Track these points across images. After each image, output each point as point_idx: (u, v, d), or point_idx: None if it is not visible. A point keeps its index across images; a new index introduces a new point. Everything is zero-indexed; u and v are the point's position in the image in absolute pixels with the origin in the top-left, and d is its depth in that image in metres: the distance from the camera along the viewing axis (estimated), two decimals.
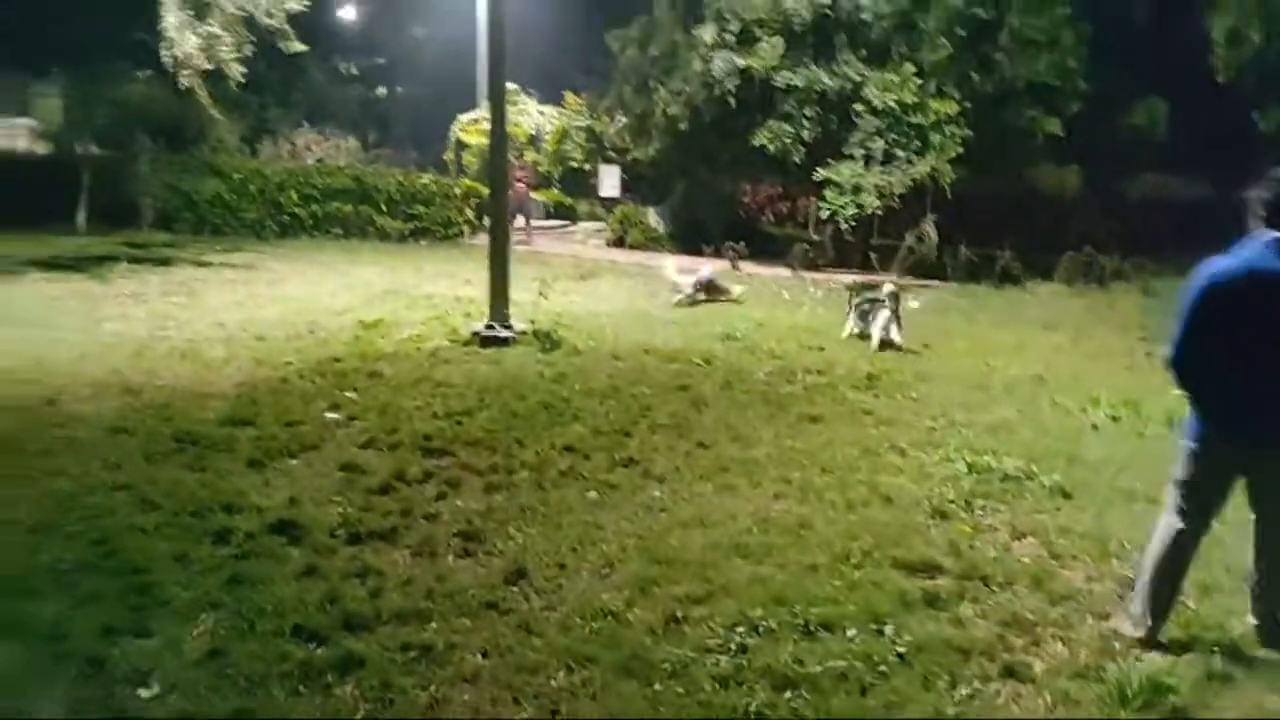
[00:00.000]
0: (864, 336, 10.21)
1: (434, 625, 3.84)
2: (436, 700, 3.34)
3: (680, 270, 13.53)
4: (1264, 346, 3.54)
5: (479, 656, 3.62)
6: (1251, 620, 3.84)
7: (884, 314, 9.98)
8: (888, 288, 10.37)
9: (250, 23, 14.93)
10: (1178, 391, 3.89)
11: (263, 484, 5.36)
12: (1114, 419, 7.25)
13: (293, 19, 15.42)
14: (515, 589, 4.20)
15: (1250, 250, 3.53)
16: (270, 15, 14.91)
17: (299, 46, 15.78)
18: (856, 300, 10.68)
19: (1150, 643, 3.75)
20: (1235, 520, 4.92)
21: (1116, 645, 3.75)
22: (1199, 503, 3.75)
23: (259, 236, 19.08)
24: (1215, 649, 3.70)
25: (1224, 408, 3.62)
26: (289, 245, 18.46)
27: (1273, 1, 13.07)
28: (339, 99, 32.58)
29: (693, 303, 12.52)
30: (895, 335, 9.94)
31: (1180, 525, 3.77)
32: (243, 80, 15.46)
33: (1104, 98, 18.32)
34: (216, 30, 14.49)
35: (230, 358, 8.46)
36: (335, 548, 4.54)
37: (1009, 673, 3.55)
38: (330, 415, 6.77)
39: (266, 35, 15.34)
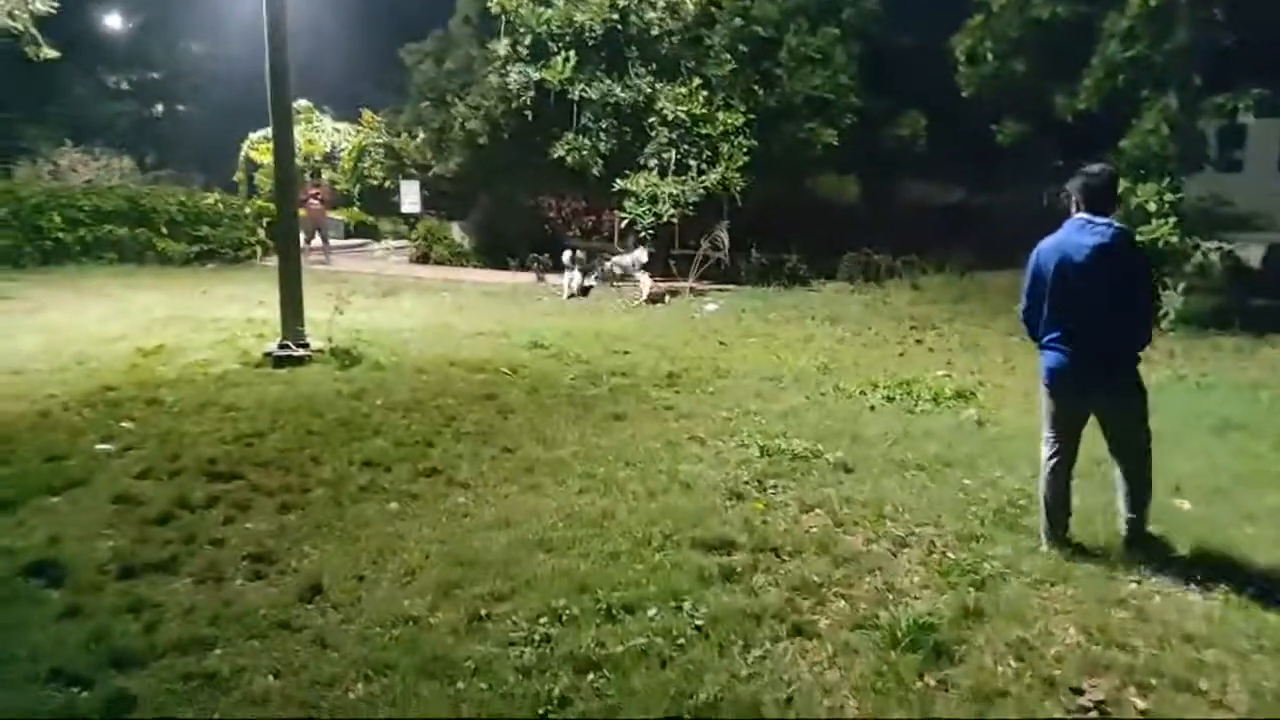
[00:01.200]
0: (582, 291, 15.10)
1: (218, 652, 3.65)
2: None
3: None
4: (1073, 300, 4.40)
5: (269, 677, 3.48)
6: (1122, 527, 4.62)
7: (572, 273, 14.96)
8: (567, 255, 15.46)
9: None
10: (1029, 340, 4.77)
11: (16, 525, 4.88)
12: (889, 400, 7.85)
13: (42, 23, 13.87)
14: (310, 606, 4.05)
15: (1065, 228, 4.48)
16: (12, 17, 13.30)
17: (51, 54, 14.20)
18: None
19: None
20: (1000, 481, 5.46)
21: (889, 595, 4.09)
22: (1059, 432, 4.59)
23: (15, 265, 17.15)
24: (971, 589, 4.10)
25: (1053, 356, 4.50)
26: (53, 273, 16.76)
27: (1002, 26, 14.63)
28: (107, 115, 29.96)
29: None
30: (574, 287, 14.91)
31: (1050, 454, 4.62)
32: None
33: (873, 111, 19.84)
34: None
35: None
36: (104, 584, 4.21)
37: (797, 631, 3.79)
38: (101, 447, 6.25)
39: (10, 40, 13.72)
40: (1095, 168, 4.51)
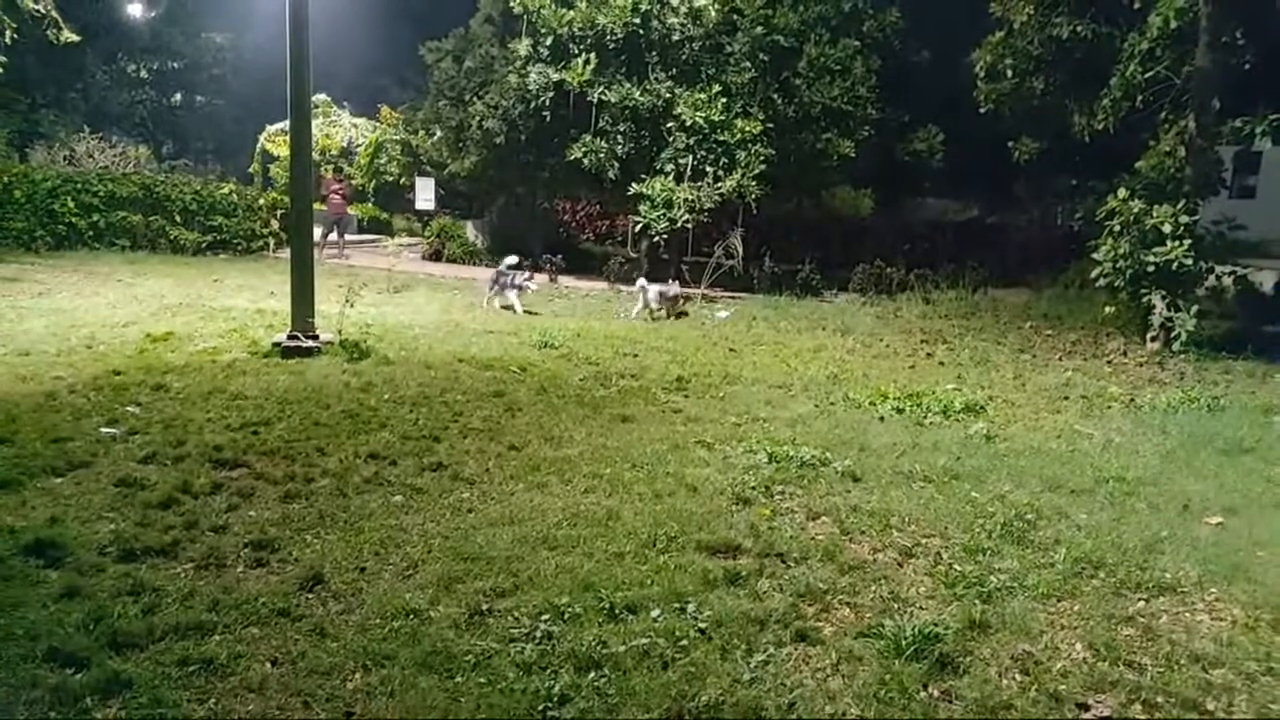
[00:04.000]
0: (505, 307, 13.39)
1: (217, 638, 3.62)
2: (215, 713, 3.14)
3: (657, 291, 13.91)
4: None
5: (267, 665, 3.45)
6: None
7: (510, 291, 13.36)
8: (512, 272, 13.70)
9: (12, 8, 13.29)
10: None
11: (19, 505, 4.86)
12: (898, 411, 7.80)
13: (64, 7, 13.89)
14: (311, 595, 4.02)
15: None
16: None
17: (72, 37, 14.21)
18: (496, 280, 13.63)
19: None
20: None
21: (894, 604, 4.04)
22: None
23: (28, 248, 17.27)
24: (977, 601, 4.06)
25: None
26: (65, 257, 16.84)
27: (1023, 43, 14.57)
28: (125, 103, 30.12)
29: (664, 315, 13.67)
30: (516, 305, 13.22)
31: None
32: (2, 72, 13.68)
33: (890, 124, 19.81)
34: None
35: None
36: (104, 566, 4.19)
37: (801, 637, 3.75)
38: (106, 430, 6.24)
39: (32, 23, 13.74)
40: None
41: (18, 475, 5.21)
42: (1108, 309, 12.84)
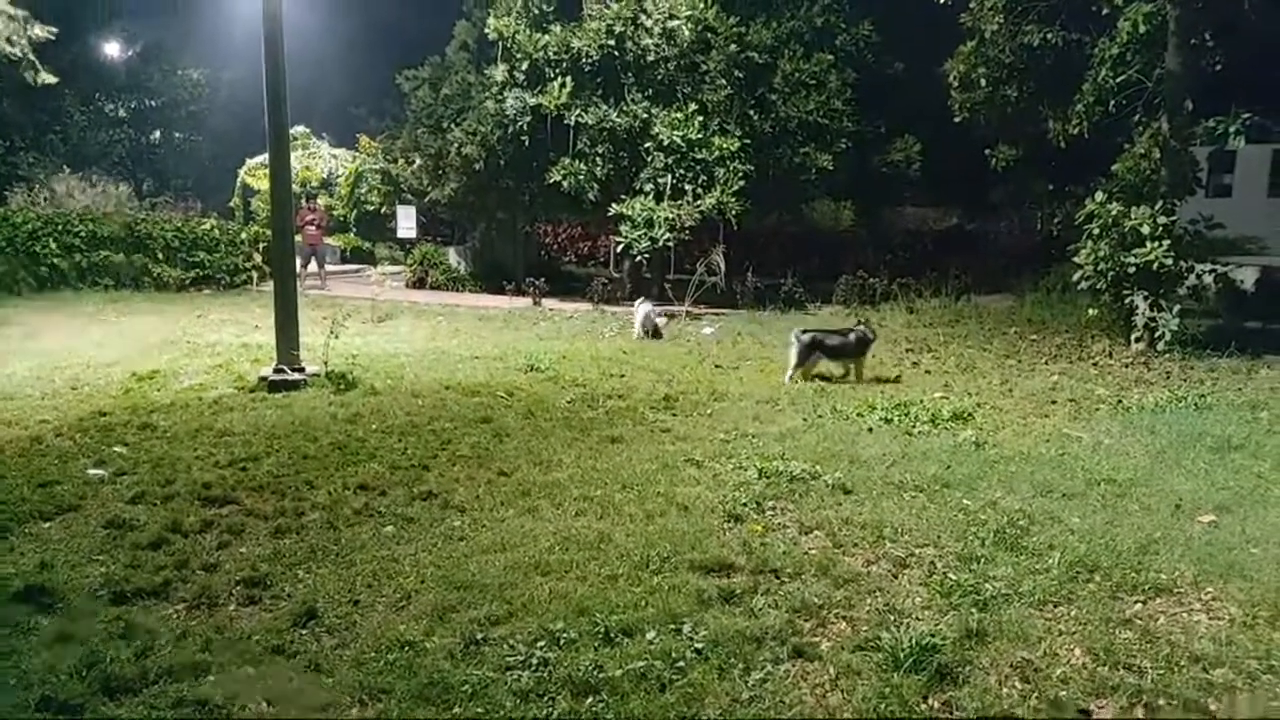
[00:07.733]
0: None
1: (212, 678, 3.59)
2: None
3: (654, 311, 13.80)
4: None
5: (263, 703, 3.42)
6: None
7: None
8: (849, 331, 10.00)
9: None
10: None
11: (7, 551, 4.82)
12: (886, 421, 7.82)
13: (41, 50, 13.86)
14: (304, 631, 3.99)
15: None
16: (11, 43, 13.28)
17: (49, 79, 14.18)
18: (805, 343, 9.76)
19: None
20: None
21: (891, 616, 4.04)
22: None
23: (10, 291, 17.14)
24: (973, 610, 4.06)
25: None
26: (49, 299, 16.73)
27: (994, 52, 14.73)
28: (104, 142, 30.04)
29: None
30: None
31: None
32: None
33: (868, 136, 19.99)
34: None
35: None
36: (96, 610, 4.15)
37: (798, 653, 3.74)
38: (94, 471, 6.20)
39: (9, 66, 13.71)
40: None
41: (5, 521, 5.16)
42: (1091, 311, 12.95)
